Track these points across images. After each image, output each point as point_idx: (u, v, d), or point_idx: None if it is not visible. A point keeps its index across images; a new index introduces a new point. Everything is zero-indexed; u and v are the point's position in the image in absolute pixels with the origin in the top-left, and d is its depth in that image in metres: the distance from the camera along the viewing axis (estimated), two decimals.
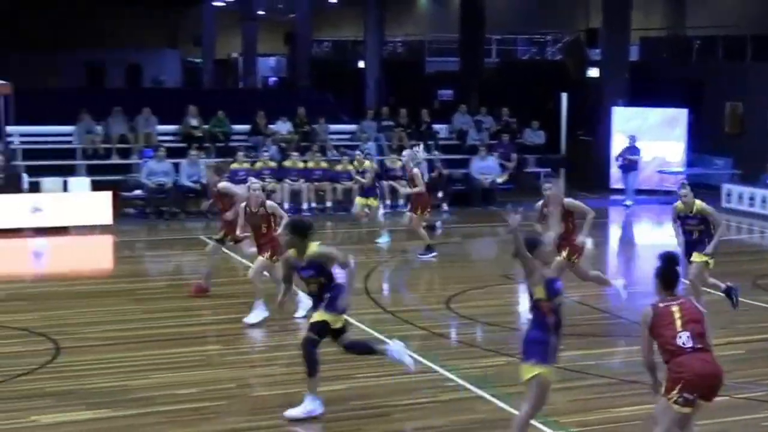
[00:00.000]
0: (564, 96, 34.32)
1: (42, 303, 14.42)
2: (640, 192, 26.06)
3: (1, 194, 20.64)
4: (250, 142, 25.85)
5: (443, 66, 40.43)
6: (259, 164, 23.73)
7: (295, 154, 24.36)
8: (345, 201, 23.61)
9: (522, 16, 41.47)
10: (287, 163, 24.00)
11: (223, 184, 14.84)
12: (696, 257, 13.05)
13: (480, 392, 10.63)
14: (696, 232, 13.12)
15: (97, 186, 21.99)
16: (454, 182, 24.92)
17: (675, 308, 7.78)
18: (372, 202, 20.23)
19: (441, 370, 11.36)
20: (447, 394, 10.64)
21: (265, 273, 13.46)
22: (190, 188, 23.16)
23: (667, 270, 7.94)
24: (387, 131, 27.71)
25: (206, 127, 26.17)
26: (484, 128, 28.32)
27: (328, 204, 23.69)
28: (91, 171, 23.84)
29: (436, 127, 28.41)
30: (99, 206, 20.87)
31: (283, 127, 26.67)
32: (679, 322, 7.71)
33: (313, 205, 23.50)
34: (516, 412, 8.50)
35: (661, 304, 7.85)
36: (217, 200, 15.06)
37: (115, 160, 24.77)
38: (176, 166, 23.29)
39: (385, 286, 16.34)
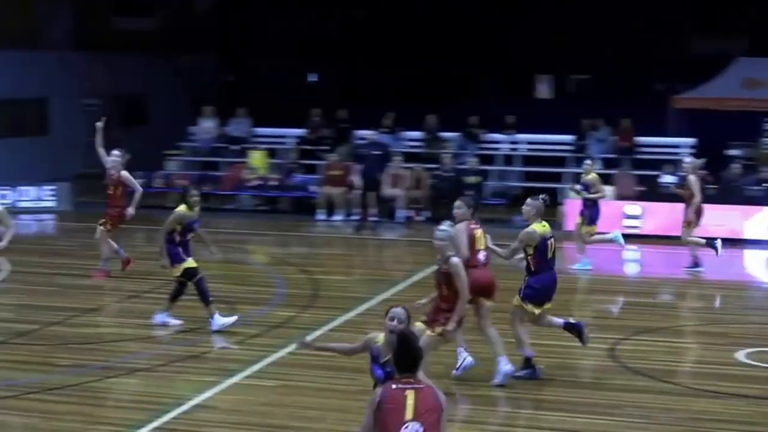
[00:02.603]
0: None
1: None
2: None
3: None
4: None
5: None
6: None
7: None
8: None
9: None
10: None
11: (125, 174, 16.61)
12: None
13: None
14: None
15: None
16: None
17: (409, 393, 6.70)
18: None
19: None
20: None
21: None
22: None
23: (404, 352, 6.90)
24: None
25: None
26: None
27: None
28: None
29: None
30: None
31: None
32: (410, 410, 6.64)
33: None
34: None
35: (393, 386, 6.76)
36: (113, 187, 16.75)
37: None
38: None
39: None
